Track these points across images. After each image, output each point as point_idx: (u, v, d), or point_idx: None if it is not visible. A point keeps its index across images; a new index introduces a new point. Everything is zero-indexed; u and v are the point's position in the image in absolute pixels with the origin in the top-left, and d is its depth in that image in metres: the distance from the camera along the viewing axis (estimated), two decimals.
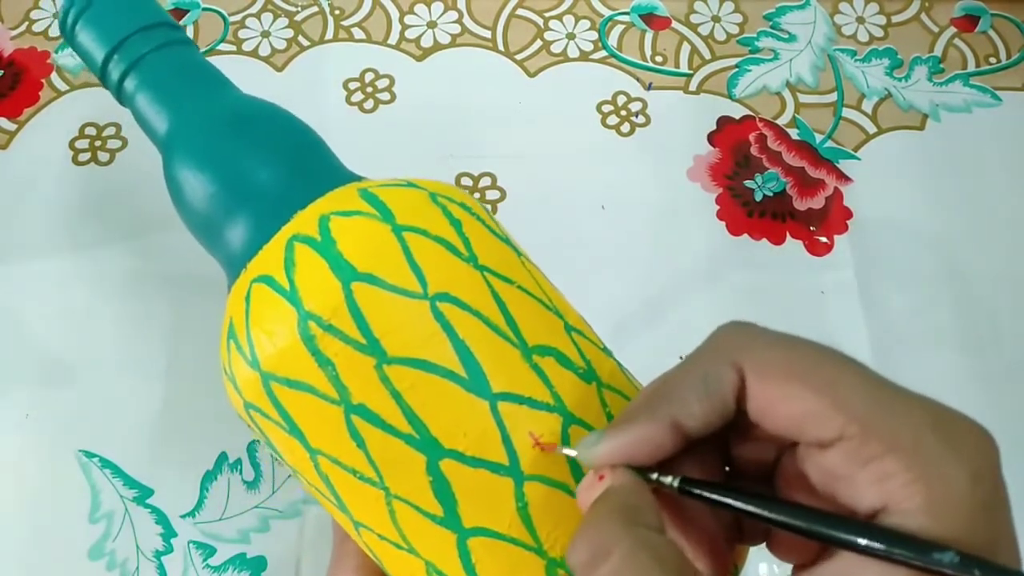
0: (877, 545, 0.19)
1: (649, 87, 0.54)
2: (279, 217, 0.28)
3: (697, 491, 0.22)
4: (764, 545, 0.26)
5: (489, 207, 0.49)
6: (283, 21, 0.55)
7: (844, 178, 0.51)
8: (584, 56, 0.55)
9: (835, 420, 0.20)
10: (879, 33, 0.57)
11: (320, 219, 0.27)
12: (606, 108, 0.53)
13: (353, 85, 0.53)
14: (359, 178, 0.32)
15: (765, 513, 0.21)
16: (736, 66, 0.55)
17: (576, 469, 0.26)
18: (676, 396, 0.23)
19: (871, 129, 0.53)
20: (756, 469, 0.24)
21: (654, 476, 0.23)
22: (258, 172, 0.30)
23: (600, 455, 0.23)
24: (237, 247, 0.30)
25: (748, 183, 0.50)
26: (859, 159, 0.52)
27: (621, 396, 0.29)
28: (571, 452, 0.25)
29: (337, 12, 0.56)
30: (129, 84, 0.34)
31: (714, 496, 0.22)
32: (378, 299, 0.26)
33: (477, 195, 0.49)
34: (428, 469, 0.25)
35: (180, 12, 0.55)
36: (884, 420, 0.20)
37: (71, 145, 0.50)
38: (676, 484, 0.22)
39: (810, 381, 0.21)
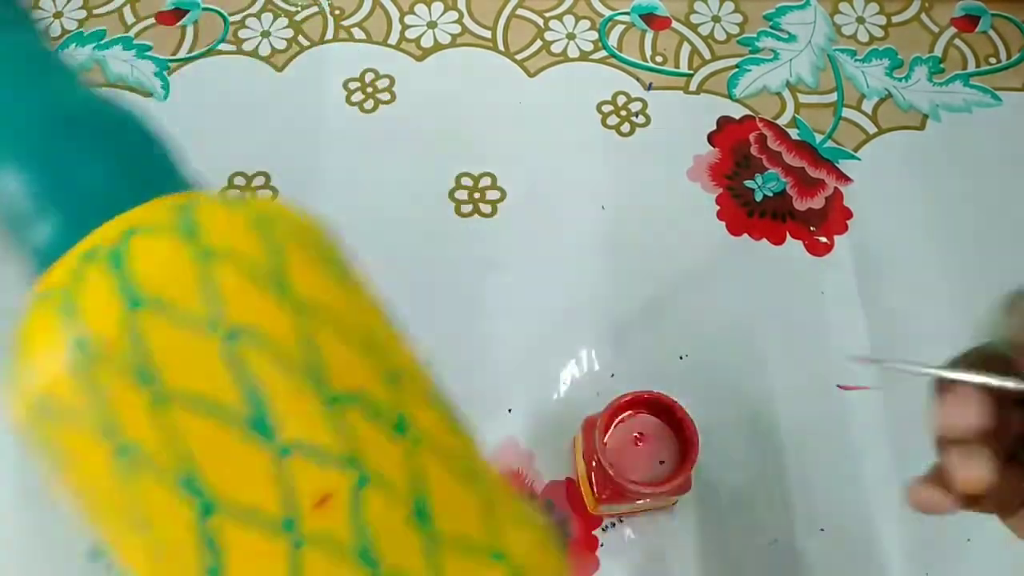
0: None
1: (649, 87, 0.54)
2: (88, 225, 0.26)
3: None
4: None
5: (489, 207, 0.49)
6: (283, 21, 0.55)
7: (844, 178, 0.51)
8: (584, 56, 0.55)
9: None
10: (879, 33, 0.57)
11: (124, 233, 0.25)
12: (606, 108, 0.53)
13: (353, 85, 0.53)
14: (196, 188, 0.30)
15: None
16: (736, 66, 0.55)
17: (360, 536, 0.24)
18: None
19: (871, 129, 0.53)
20: None
21: None
22: (79, 171, 0.28)
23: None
24: (44, 248, 0.28)
25: (748, 183, 0.50)
26: (859, 159, 0.52)
27: (435, 452, 0.26)
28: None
29: (337, 12, 0.56)
30: None
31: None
32: (163, 328, 0.23)
33: (477, 195, 0.49)
34: (199, 520, 0.23)
35: (180, 12, 0.55)
36: None
37: None
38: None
39: None
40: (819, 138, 0.52)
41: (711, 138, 0.52)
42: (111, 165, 0.29)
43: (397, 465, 0.25)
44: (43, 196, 0.28)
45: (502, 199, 0.49)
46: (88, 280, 0.24)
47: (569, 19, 0.56)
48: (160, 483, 0.23)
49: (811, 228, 0.49)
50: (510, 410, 0.43)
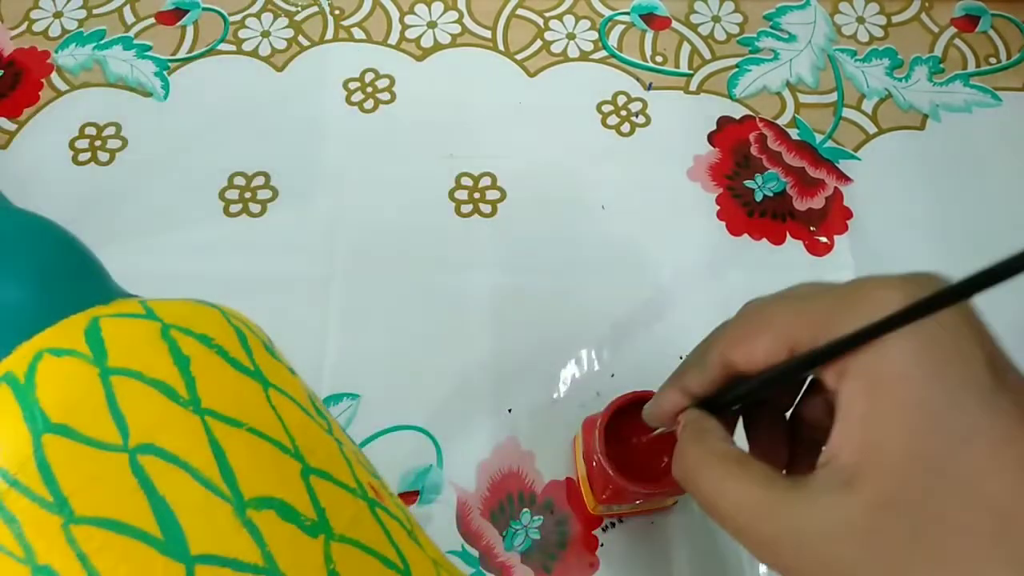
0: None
1: (649, 87, 0.54)
2: (16, 340, 0.26)
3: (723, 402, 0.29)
4: None
5: (489, 207, 0.49)
6: (283, 21, 0.55)
7: (844, 178, 0.51)
8: (584, 56, 0.55)
9: (785, 345, 0.26)
10: (879, 33, 0.57)
11: (34, 356, 0.25)
12: (606, 108, 0.53)
13: (353, 85, 0.53)
14: (124, 295, 0.31)
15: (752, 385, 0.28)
16: (736, 66, 0.55)
17: None
18: (683, 372, 0.30)
19: (871, 129, 0.53)
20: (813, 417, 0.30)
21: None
22: (1, 291, 0.28)
23: (651, 416, 0.32)
24: None
25: (748, 183, 0.50)
26: (859, 159, 0.52)
27: (357, 547, 0.26)
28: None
29: (337, 12, 0.56)
30: None
31: (723, 399, 0.29)
32: (70, 452, 0.23)
33: (477, 195, 0.49)
34: None
35: (180, 12, 0.55)
36: (807, 325, 0.26)
37: (71, 145, 0.50)
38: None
39: (761, 330, 0.27)
40: (819, 138, 0.52)
41: (711, 138, 0.52)
42: (30, 281, 0.29)
43: (313, 566, 0.25)
44: None
45: (502, 199, 0.49)
46: None
47: (569, 19, 0.56)
48: None
49: (811, 228, 0.49)
50: (510, 410, 0.43)
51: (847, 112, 0.53)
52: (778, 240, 0.49)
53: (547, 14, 0.56)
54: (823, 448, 0.25)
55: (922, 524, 0.22)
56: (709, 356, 0.29)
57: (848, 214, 0.50)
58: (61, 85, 0.52)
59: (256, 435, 0.26)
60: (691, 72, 0.54)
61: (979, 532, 0.22)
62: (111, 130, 0.51)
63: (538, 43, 0.55)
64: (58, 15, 0.55)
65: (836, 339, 0.24)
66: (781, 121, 0.53)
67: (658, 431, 0.33)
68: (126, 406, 0.24)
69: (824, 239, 0.49)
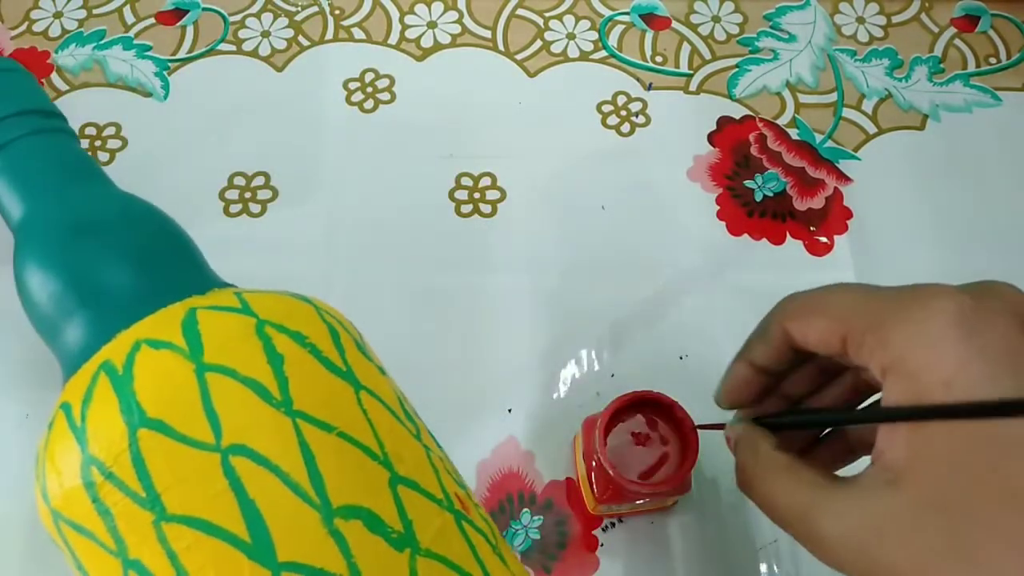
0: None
1: (649, 87, 0.54)
2: (115, 326, 0.26)
3: (769, 420, 0.32)
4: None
5: (489, 207, 0.49)
6: (283, 21, 0.55)
7: (844, 178, 0.51)
8: (584, 56, 0.55)
9: (839, 332, 0.27)
10: (879, 33, 0.57)
11: (132, 346, 0.25)
12: (606, 108, 0.53)
13: (353, 85, 0.53)
14: (220, 285, 0.30)
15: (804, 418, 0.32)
16: (736, 66, 0.55)
17: None
18: (747, 346, 0.32)
19: (871, 129, 0.53)
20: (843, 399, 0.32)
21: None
22: (104, 274, 0.28)
23: (722, 393, 0.33)
24: (69, 353, 0.28)
25: (748, 183, 0.50)
26: (859, 159, 0.52)
27: (442, 563, 0.26)
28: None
29: (337, 12, 0.56)
30: None
31: (777, 421, 0.32)
32: (164, 449, 0.24)
33: (477, 195, 0.49)
34: None
35: (180, 12, 0.55)
36: (863, 317, 0.27)
37: None
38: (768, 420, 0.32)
39: (819, 311, 0.29)
40: (819, 138, 0.52)
41: (711, 138, 0.52)
42: (134, 267, 0.29)
43: None
44: (68, 300, 0.29)
45: (502, 199, 0.49)
46: (96, 398, 0.25)
47: (569, 19, 0.56)
48: None
49: (811, 228, 0.49)
50: (510, 410, 0.43)
51: (847, 112, 0.53)
52: (778, 240, 0.49)
53: (547, 14, 0.56)
54: (873, 446, 0.26)
55: (961, 526, 0.23)
56: (771, 328, 0.31)
57: (848, 214, 0.50)
58: (61, 85, 0.52)
59: (346, 440, 0.26)
60: (691, 72, 0.54)
61: (1015, 539, 0.22)
62: (111, 130, 0.51)
63: (538, 43, 0.55)
64: (58, 15, 0.55)
65: (898, 408, 0.25)
66: (781, 121, 0.53)
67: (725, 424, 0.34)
68: (220, 405, 0.24)
69: (824, 239, 0.49)
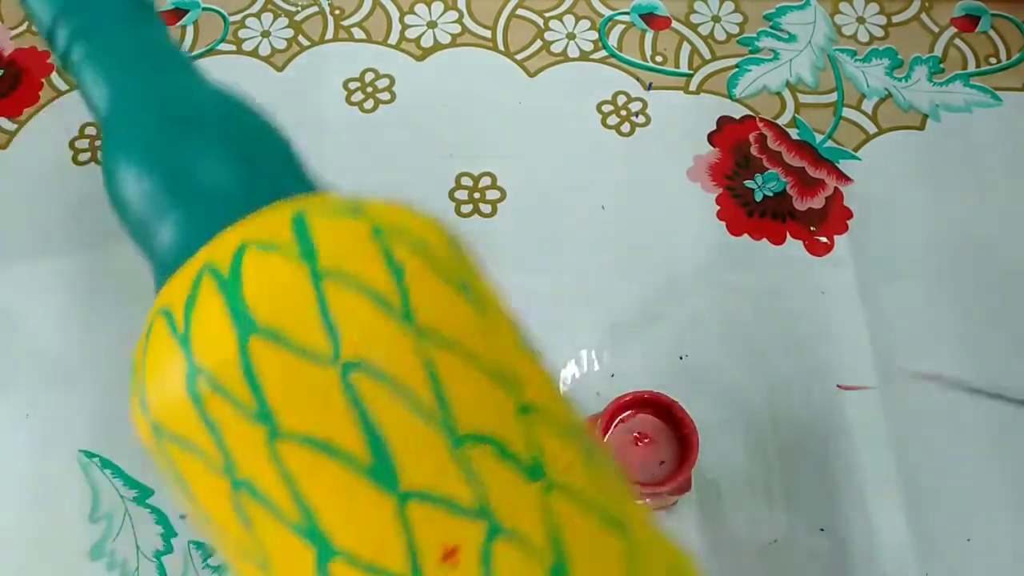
0: None
1: (649, 87, 0.54)
2: (215, 226, 0.24)
3: None
4: None
5: (489, 207, 0.49)
6: (283, 21, 0.55)
7: (844, 178, 0.51)
8: (584, 56, 0.55)
9: None
10: (879, 33, 0.57)
11: (237, 248, 0.23)
12: (606, 108, 0.53)
13: (353, 85, 0.53)
14: (327, 189, 0.29)
15: None
16: (736, 66, 0.55)
17: None
18: None
19: (871, 129, 0.53)
20: None
21: None
22: (202, 170, 0.27)
23: None
24: (165, 255, 0.26)
25: (748, 183, 0.50)
26: (859, 159, 0.52)
27: (572, 497, 0.24)
28: None
29: (337, 12, 0.56)
30: (76, 53, 0.29)
31: None
32: (278, 360, 0.22)
33: (477, 195, 0.49)
34: (317, 567, 0.22)
35: (180, 12, 0.55)
36: None
37: (71, 145, 0.50)
38: None
39: None
40: (819, 138, 0.52)
41: (711, 138, 0.52)
42: (233, 164, 0.27)
43: (531, 515, 0.23)
44: (163, 197, 0.27)
45: (502, 199, 0.49)
46: (200, 302, 0.23)
47: (569, 19, 0.56)
48: (277, 524, 0.22)
49: (811, 228, 0.49)
50: None
51: (847, 112, 0.53)
52: (778, 240, 0.49)
53: (547, 14, 0.56)
54: None
55: None
56: None
57: (848, 214, 0.50)
58: (61, 85, 0.52)
59: (471, 359, 0.23)
60: (691, 72, 0.54)
61: None
62: None
63: (538, 43, 0.55)
64: None
65: None
66: (781, 121, 0.53)
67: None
68: (338, 314, 0.22)
69: (824, 239, 0.49)
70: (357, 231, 0.24)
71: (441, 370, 0.23)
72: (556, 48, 0.55)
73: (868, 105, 0.54)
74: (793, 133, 0.52)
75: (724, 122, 0.53)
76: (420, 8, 0.56)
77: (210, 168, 0.27)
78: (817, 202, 0.50)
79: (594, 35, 0.56)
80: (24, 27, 0.54)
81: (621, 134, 0.52)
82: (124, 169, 0.27)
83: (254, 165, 0.28)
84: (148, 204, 0.27)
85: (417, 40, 0.55)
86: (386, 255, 0.23)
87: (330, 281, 0.22)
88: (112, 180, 0.28)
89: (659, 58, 0.55)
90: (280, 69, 0.53)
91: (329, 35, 0.55)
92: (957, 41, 0.56)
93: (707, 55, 0.55)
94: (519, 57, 0.55)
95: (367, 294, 0.22)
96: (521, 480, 0.23)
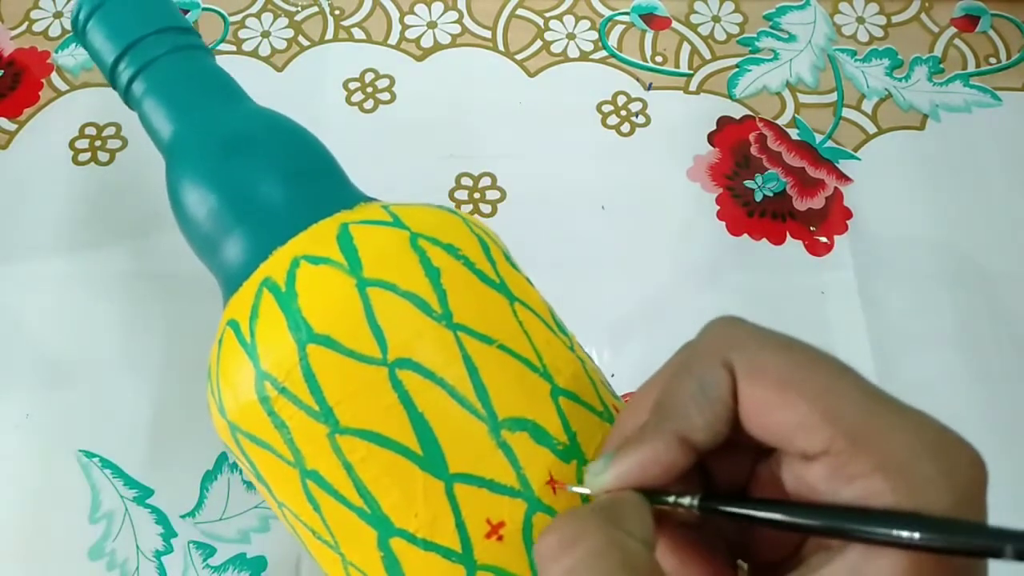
0: (917, 536, 0.18)
1: (649, 87, 0.54)
2: (272, 242, 0.27)
3: (721, 508, 0.20)
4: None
5: (489, 207, 0.49)
6: (283, 21, 0.55)
7: (844, 178, 0.51)
8: (584, 56, 0.55)
9: (824, 432, 0.19)
10: (879, 33, 0.57)
11: (291, 263, 0.26)
12: (606, 108, 0.53)
13: (353, 85, 0.53)
14: (365, 199, 0.31)
15: (798, 520, 0.20)
16: (736, 66, 0.55)
17: (533, 565, 0.24)
18: (678, 409, 0.21)
19: (871, 129, 0.53)
20: (731, 480, 0.23)
21: (671, 499, 0.21)
22: (258, 190, 0.29)
23: (608, 483, 0.21)
24: (229, 269, 0.29)
25: (748, 183, 0.50)
26: (859, 159, 0.52)
27: None
28: (583, 490, 0.22)
29: (337, 12, 0.56)
30: (137, 87, 0.33)
31: (739, 510, 0.20)
32: (333, 364, 0.24)
33: (477, 195, 0.49)
34: (379, 544, 0.24)
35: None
36: (875, 436, 0.19)
37: (71, 145, 0.50)
38: (696, 503, 0.21)
39: (804, 388, 0.20)
40: (819, 138, 0.52)
41: (711, 138, 0.52)
42: (287, 183, 0.29)
43: (569, 495, 0.25)
44: (225, 217, 0.29)
45: (502, 199, 0.49)
46: (262, 314, 0.25)
47: (569, 19, 0.56)
48: (342, 508, 0.24)
49: (811, 228, 0.49)
50: None
51: (847, 112, 0.53)
52: (778, 240, 0.49)
53: (547, 14, 0.56)
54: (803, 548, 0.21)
55: None
56: (716, 394, 0.21)
57: (848, 214, 0.50)
58: (61, 85, 0.52)
59: (506, 352, 0.26)
60: (691, 72, 0.54)
61: None
62: (111, 130, 0.51)
63: (538, 43, 0.55)
64: (58, 15, 0.55)
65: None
66: (781, 121, 0.53)
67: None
68: (383, 319, 0.25)
69: (824, 239, 0.49)
70: (396, 240, 0.26)
71: (479, 363, 0.25)
72: (556, 48, 0.55)
73: (868, 105, 0.54)
74: (793, 133, 0.52)
75: (724, 122, 0.53)
76: (420, 8, 0.56)
77: (265, 187, 0.29)
78: (817, 202, 0.50)
79: (594, 35, 0.56)
80: (24, 27, 0.54)
81: (621, 134, 0.52)
82: (190, 192, 0.30)
83: (303, 181, 0.30)
84: (212, 223, 0.29)
85: (417, 40, 0.55)
86: (423, 260, 0.26)
87: (374, 289, 0.25)
88: (178, 202, 0.31)
89: (659, 58, 0.55)
90: (280, 69, 0.53)
91: (329, 35, 0.55)
92: (957, 41, 0.56)
93: (707, 55, 0.55)
94: (519, 57, 0.55)
95: (408, 298, 0.25)
96: (558, 460, 0.25)
